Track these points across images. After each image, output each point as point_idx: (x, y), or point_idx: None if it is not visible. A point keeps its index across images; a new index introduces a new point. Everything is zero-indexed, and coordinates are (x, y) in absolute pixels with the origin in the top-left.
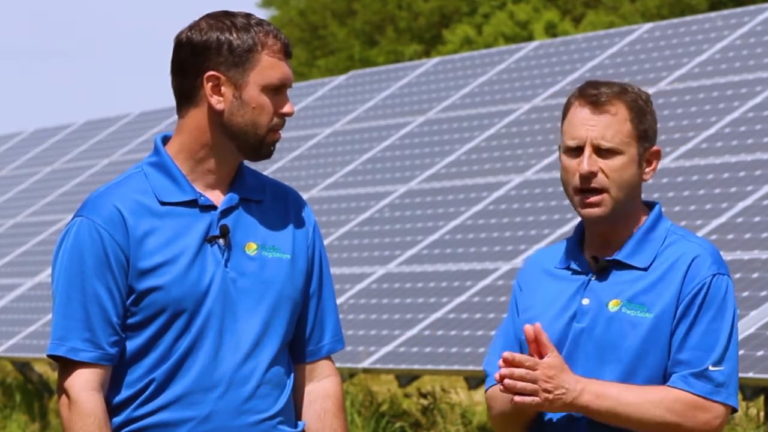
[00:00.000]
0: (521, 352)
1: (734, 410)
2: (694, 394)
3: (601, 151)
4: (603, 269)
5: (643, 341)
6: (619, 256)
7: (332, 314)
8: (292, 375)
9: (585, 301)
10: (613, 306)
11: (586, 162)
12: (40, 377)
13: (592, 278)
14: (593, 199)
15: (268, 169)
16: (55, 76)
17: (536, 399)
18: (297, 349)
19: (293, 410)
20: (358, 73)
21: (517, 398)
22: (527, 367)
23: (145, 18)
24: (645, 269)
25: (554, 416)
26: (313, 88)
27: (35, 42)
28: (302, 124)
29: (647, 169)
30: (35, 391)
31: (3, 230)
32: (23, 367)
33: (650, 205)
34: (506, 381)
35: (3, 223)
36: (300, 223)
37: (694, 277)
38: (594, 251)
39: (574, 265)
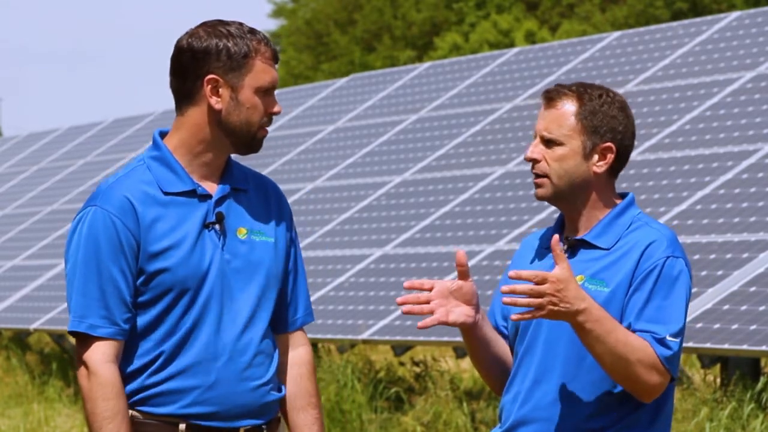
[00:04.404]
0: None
1: (673, 379)
2: (658, 355)
3: (546, 142)
4: (573, 248)
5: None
6: (586, 236)
7: (304, 291)
8: (277, 347)
9: None
10: (578, 281)
11: (530, 149)
12: (74, 347)
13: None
14: (536, 181)
15: (277, 162)
16: (88, 79)
17: (540, 312)
18: (276, 322)
19: (278, 378)
20: (358, 76)
21: (514, 315)
22: (536, 282)
23: (168, 26)
24: (608, 249)
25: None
26: (318, 90)
27: (70, 47)
28: (308, 121)
29: (599, 162)
30: (70, 360)
31: (41, 216)
32: (59, 338)
33: (625, 196)
34: (508, 299)
35: (41, 209)
36: (279, 210)
37: (649, 258)
38: (568, 233)
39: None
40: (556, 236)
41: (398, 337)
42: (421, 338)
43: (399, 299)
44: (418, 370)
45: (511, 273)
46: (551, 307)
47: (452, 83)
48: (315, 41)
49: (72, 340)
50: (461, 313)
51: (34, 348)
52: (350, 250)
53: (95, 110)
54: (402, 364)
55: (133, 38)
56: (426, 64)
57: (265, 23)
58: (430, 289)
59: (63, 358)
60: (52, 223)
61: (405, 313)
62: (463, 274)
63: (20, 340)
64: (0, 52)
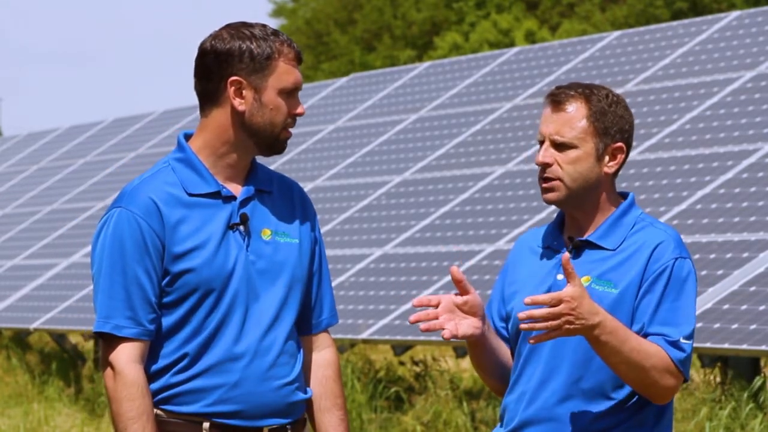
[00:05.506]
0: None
1: (685, 380)
2: (672, 358)
3: (557, 145)
4: (577, 249)
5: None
6: (591, 237)
7: (329, 293)
8: (302, 348)
9: (560, 277)
10: (584, 282)
11: (542, 154)
12: (74, 347)
13: None
14: (547, 185)
15: (278, 161)
16: (88, 79)
17: (557, 333)
18: (301, 323)
19: (303, 379)
20: (358, 76)
21: (531, 339)
22: (551, 304)
23: (168, 26)
24: (613, 250)
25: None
26: (318, 89)
27: (70, 47)
28: (308, 121)
29: (610, 163)
30: (70, 360)
31: (41, 215)
32: (59, 338)
33: (625, 196)
34: (526, 325)
35: (41, 209)
36: (304, 211)
37: (659, 259)
38: (570, 233)
39: (553, 245)
40: (567, 255)
41: (398, 337)
42: (421, 338)
43: (412, 318)
44: (418, 369)
45: (527, 300)
46: (568, 326)
47: (452, 83)
48: (315, 41)
49: (73, 340)
50: (469, 325)
51: (34, 348)
52: (350, 250)
53: (95, 110)
54: (402, 363)
55: (133, 38)
56: (426, 64)
57: (266, 23)
58: (437, 305)
59: (63, 358)
60: (52, 222)
61: (423, 330)
62: (463, 289)
63: (20, 339)
64: (0, 52)
